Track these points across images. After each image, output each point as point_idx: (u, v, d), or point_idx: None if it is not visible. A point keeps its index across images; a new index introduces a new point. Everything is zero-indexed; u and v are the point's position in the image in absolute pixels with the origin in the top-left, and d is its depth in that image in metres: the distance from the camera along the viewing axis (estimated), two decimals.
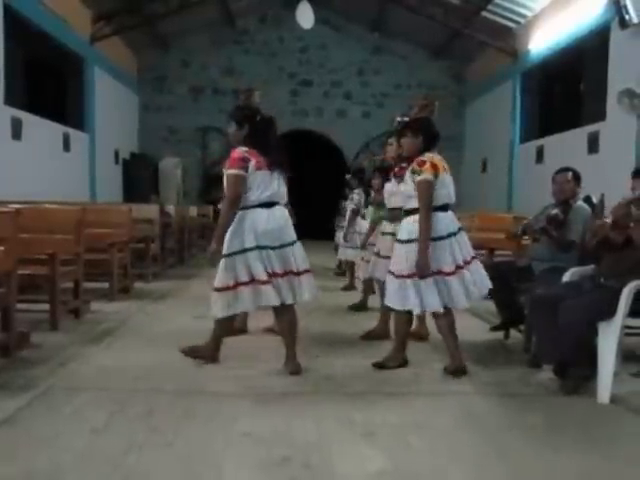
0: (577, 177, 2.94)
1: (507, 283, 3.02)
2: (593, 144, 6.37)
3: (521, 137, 8.66)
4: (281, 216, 2.43)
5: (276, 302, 2.36)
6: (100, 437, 1.79)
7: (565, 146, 6.96)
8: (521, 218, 3.83)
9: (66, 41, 7.60)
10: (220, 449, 1.74)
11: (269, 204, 2.39)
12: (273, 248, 2.36)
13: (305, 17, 8.79)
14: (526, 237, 3.21)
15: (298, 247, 2.47)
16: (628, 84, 5.50)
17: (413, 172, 2.43)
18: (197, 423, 1.93)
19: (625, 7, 5.31)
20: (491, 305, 3.32)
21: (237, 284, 2.35)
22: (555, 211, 2.83)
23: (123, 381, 2.34)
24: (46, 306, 3.20)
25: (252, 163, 2.36)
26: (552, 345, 2.38)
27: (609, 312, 2.21)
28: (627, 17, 5.34)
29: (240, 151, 2.39)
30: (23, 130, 6.47)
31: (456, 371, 2.48)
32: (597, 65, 6.37)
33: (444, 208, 2.46)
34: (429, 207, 2.39)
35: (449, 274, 2.40)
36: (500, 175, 9.11)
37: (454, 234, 2.44)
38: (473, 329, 3.54)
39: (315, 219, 7.76)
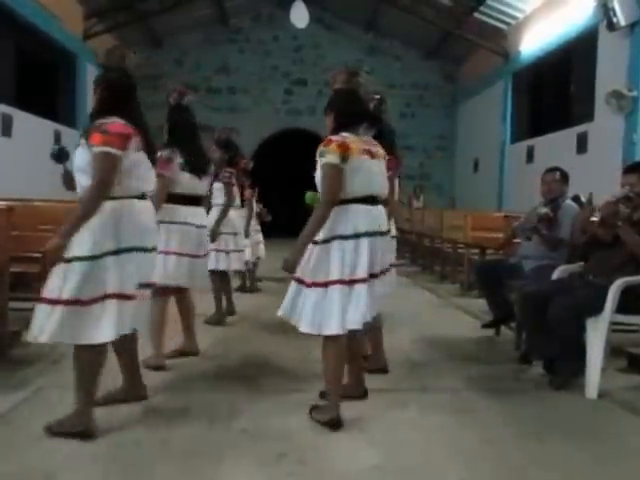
0: (564, 176, 2.99)
1: (498, 281, 3.07)
2: (582, 144, 6.46)
3: (512, 137, 8.74)
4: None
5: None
6: (95, 435, 1.78)
7: (555, 146, 7.05)
8: (511, 217, 3.88)
9: (58, 37, 7.53)
10: (217, 445, 1.75)
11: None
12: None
13: (299, 16, 8.79)
14: (516, 240, 3.25)
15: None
16: (616, 86, 5.59)
17: (319, 154, 1.90)
18: (193, 420, 1.94)
19: (613, 10, 5.39)
20: (482, 303, 3.37)
21: None
22: (545, 210, 2.87)
23: (118, 379, 2.33)
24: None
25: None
26: (542, 341, 2.43)
27: (597, 309, 2.25)
28: (615, 20, 5.43)
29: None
30: (14, 126, 6.39)
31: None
32: (586, 67, 6.46)
33: (365, 200, 1.90)
34: (330, 196, 1.86)
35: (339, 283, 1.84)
36: (491, 175, 9.20)
37: (370, 234, 1.88)
38: (465, 326, 3.59)
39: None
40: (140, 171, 1.83)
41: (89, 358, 1.75)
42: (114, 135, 1.75)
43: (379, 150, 1.99)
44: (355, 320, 1.84)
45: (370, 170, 1.92)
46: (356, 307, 1.84)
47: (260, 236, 4.85)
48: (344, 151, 1.87)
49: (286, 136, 11.08)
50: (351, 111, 1.95)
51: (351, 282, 1.85)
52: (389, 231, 2.06)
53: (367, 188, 1.91)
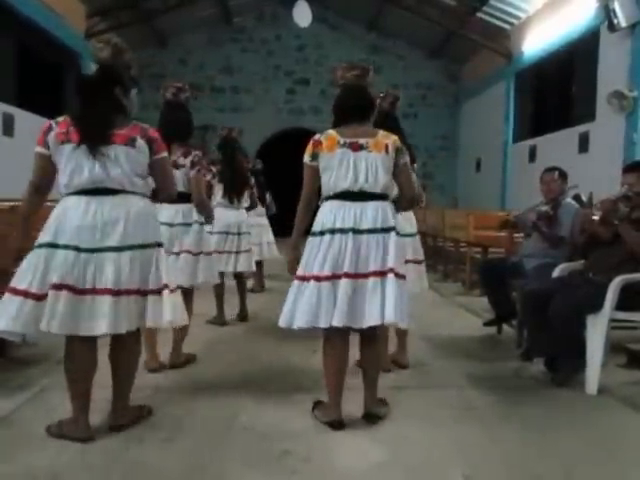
0: (563, 175, 3.02)
1: (500, 279, 3.09)
2: (583, 144, 6.47)
3: (514, 137, 8.75)
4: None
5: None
6: (99, 434, 1.79)
7: (557, 146, 7.06)
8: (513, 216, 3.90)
9: (60, 36, 7.54)
10: (220, 443, 1.76)
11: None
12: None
13: (302, 15, 8.80)
14: (517, 233, 3.27)
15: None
16: (617, 86, 5.60)
17: None
18: (197, 418, 1.95)
19: (614, 11, 5.41)
20: (484, 301, 3.39)
21: None
22: (545, 208, 2.90)
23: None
24: None
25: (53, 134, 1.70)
26: (543, 339, 2.45)
27: (597, 306, 2.28)
28: (616, 21, 5.44)
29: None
30: (15, 126, 6.41)
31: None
32: (587, 67, 6.47)
33: (341, 196, 1.83)
34: (305, 194, 1.90)
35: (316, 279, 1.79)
36: (494, 174, 9.20)
37: (338, 231, 1.80)
38: (467, 324, 3.61)
39: (313, 217, 7.79)
40: (65, 165, 1.70)
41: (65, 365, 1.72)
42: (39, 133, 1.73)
43: (378, 140, 1.85)
44: (302, 319, 1.76)
45: (351, 164, 1.83)
46: (307, 305, 1.77)
47: (266, 237, 4.73)
48: (314, 148, 1.86)
49: (289, 136, 11.10)
50: (340, 106, 1.93)
51: (304, 279, 1.81)
52: (389, 228, 1.83)
53: (340, 183, 1.83)
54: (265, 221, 4.84)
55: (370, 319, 1.77)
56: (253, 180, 4.27)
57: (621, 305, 2.28)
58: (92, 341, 1.74)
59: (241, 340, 3.14)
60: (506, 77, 8.77)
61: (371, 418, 1.93)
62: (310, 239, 1.87)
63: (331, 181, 1.85)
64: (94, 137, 1.69)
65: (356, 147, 1.84)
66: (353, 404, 2.09)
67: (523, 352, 2.74)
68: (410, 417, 2.02)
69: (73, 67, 8.28)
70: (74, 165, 1.70)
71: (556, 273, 2.66)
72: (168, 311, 1.75)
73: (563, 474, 1.64)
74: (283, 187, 6.43)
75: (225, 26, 10.83)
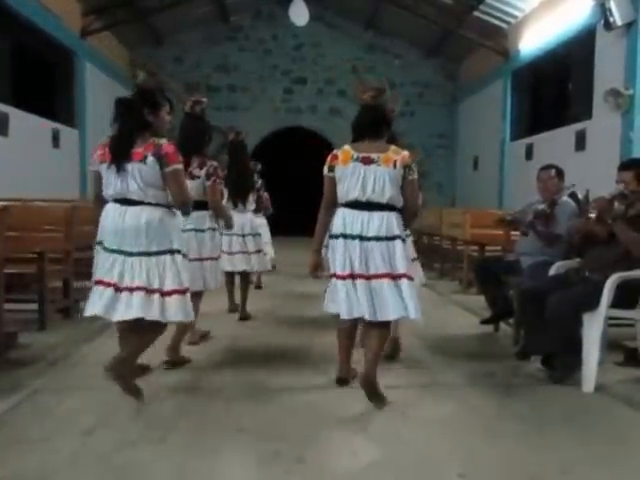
0: (560, 173, 3.01)
1: (496, 278, 3.08)
2: (580, 142, 6.48)
3: (511, 135, 8.75)
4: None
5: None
6: (91, 437, 1.78)
7: (553, 144, 7.06)
8: (509, 214, 3.88)
9: (55, 34, 7.50)
10: (213, 445, 1.74)
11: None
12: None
13: (299, 14, 8.77)
14: (514, 232, 3.26)
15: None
16: (613, 84, 5.61)
17: None
18: (190, 419, 1.94)
19: (610, 10, 5.42)
20: (481, 299, 3.38)
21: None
22: (542, 206, 2.89)
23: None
24: (35, 305, 3.16)
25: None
26: (540, 337, 2.45)
27: (593, 304, 2.27)
28: (612, 19, 5.45)
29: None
30: (10, 125, 6.38)
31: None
32: (584, 65, 6.47)
33: (350, 205, 2.08)
34: (324, 202, 2.19)
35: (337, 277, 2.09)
36: (491, 172, 9.21)
37: (347, 236, 2.06)
38: (464, 323, 3.61)
39: (309, 216, 7.79)
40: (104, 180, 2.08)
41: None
42: None
43: (388, 155, 2.07)
44: (333, 308, 2.13)
45: (361, 176, 2.06)
46: (335, 297, 2.10)
47: (265, 237, 4.84)
48: (331, 161, 2.15)
49: (286, 135, 11.08)
50: (356, 124, 2.18)
51: (332, 276, 2.13)
52: (393, 237, 2.04)
53: (351, 193, 2.08)
54: (264, 221, 4.95)
55: (393, 313, 2.04)
56: (260, 182, 4.41)
57: (617, 303, 2.27)
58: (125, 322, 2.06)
59: (234, 340, 3.12)
60: (503, 75, 8.77)
61: (368, 383, 2.08)
62: (331, 241, 2.15)
63: (344, 190, 2.11)
64: (118, 156, 2.02)
65: (367, 161, 2.08)
66: (350, 404, 2.07)
67: (520, 350, 2.73)
68: (405, 416, 2.01)
69: (67, 67, 8.24)
70: (107, 179, 2.06)
71: (552, 271, 2.66)
72: (174, 310, 2.01)
73: (560, 473, 1.63)
74: (281, 187, 6.42)
75: (221, 24, 10.80)
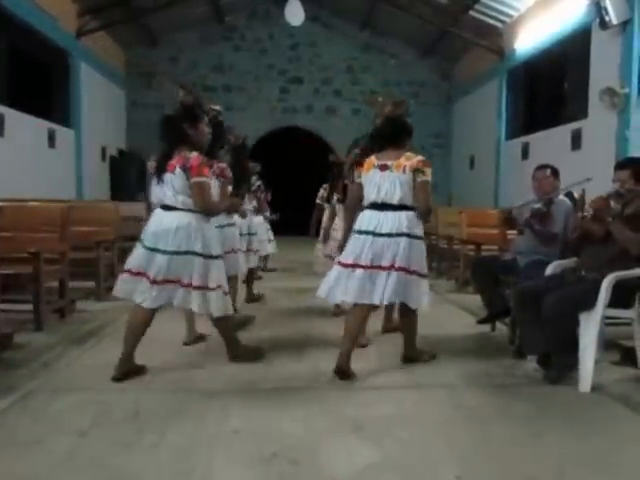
0: (555, 172, 3.01)
1: (493, 277, 3.08)
2: (576, 141, 6.49)
3: (507, 134, 8.77)
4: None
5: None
6: (85, 439, 1.77)
7: (549, 143, 7.08)
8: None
9: (51, 35, 7.46)
10: (209, 447, 1.73)
11: None
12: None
13: (295, 14, 8.75)
14: (510, 230, 3.26)
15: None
16: (609, 83, 5.62)
17: None
18: (185, 421, 1.93)
19: (605, 9, 5.42)
20: (478, 299, 3.38)
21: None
22: (538, 205, 2.89)
23: (109, 381, 2.30)
24: (30, 306, 3.14)
25: None
26: (536, 336, 2.44)
27: (590, 303, 2.27)
28: (607, 18, 5.46)
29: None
30: (6, 126, 6.35)
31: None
32: (579, 64, 6.49)
33: (371, 206, 2.45)
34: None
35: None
36: (487, 172, 9.23)
37: (365, 232, 2.41)
38: (460, 322, 3.61)
39: (306, 216, 7.79)
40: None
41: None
42: None
43: (399, 162, 2.40)
44: (323, 291, 2.45)
45: (378, 181, 2.42)
46: (346, 285, 2.39)
47: (265, 235, 5.15)
48: (358, 170, 2.65)
49: (282, 134, 11.06)
50: (378, 136, 2.57)
51: (347, 266, 2.41)
52: (400, 234, 2.36)
53: (370, 196, 2.46)
54: (260, 219, 5.05)
55: (376, 298, 2.36)
56: (259, 184, 4.52)
57: (614, 302, 2.27)
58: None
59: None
60: (498, 75, 8.79)
61: (408, 359, 2.61)
62: (351, 236, 2.50)
63: (366, 194, 2.50)
64: (159, 168, 2.36)
65: (383, 168, 2.43)
66: (346, 405, 2.07)
67: (516, 350, 2.74)
68: (401, 416, 2.00)
69: (63, 67, 8.19)
70: (153, 188, 2.41)
71: (549, 270, 2.66)
72: (197, 303, 2.34)
73: (556, 473, 1.62)
74: (278, 186, 6.41)
75: (217, 24, 10.77)
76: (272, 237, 5.54)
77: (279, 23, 10.01)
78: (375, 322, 3.11)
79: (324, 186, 5.05)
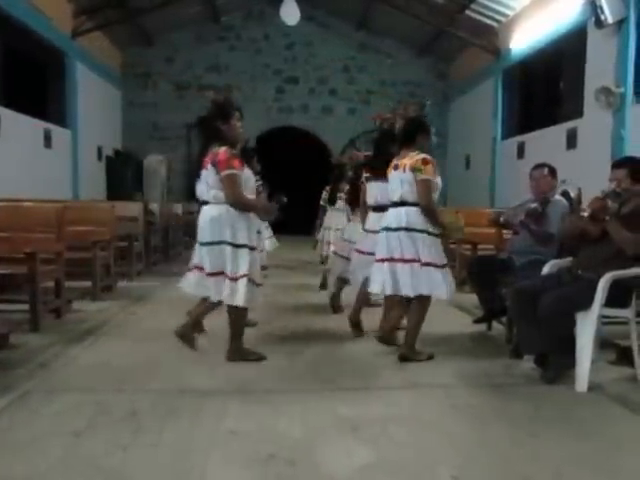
0: (552, 171, 3.02)
1: (489, 277, 3.08)
2: (571, 140, 6.52)
3: (503, 134, 8.80)
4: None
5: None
6: (82, 439, 1.75)
7: (545, 142, 7.11)
8: (502, 213, 3.90)
9: (46, 35, 7.43)
10: (205, 447, 1.73)
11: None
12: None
13: (290, 14, 8.75)
14: (505, 231, 3.27)
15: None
16: (604, 82, 5.64)
17: None
18: (182, 422, 1.92)
19: (601, 8, 5.44)
20: (474, 298, 3.39)
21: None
22: (534, 205, 2.89)
23: (106, 381, 2.30)
24: (26, 306, 3.13)
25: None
26: (533, 336, 2.45)
27: (586, 303, 2.27)
28: (602, 17, 5.48)
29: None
30: (2, 126, 6.31)
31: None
32: (575, 64, 6.51)
33: (392, 204, 2.69)
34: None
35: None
36: (483, 171, 9.25)
37: (384, 229, 2.69)
38: (457, 322, 3.61)
39: (303, 215, 7.78)
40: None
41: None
42: None
43: (403, 161, 2.59)
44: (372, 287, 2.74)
45: (392, 181, 2.65)
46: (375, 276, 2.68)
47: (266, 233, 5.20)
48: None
49: (278, 134, 11.04)
50: (399, 138, 2.75)
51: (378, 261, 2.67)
52: (402, 228, 2.57)
53: (389, 195, 2.69)
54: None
55: (375, 286, 2.69)
56: (259, 184, 4.55)
57: (610, 301, 2.28)
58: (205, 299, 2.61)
59: (224, 339, 3.10)
60: (494, 74, 8.82)
61: (404, 359, 2.65)
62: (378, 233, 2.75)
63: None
64: (197, 167, 2.52)
65: (395, 168, 2.65)
66: (344, 406, 2.07)
67: (513, 349, 2.74)
68: (397, 416, 2.00)
69: (59, 68, 8.15)
70: (197, 186, 2.54)
71: (545, 270, 2.66)
72: (241, 294, 2.42)
73: (553, 473, 1.63)
74: (274, 186, 6.38)
75: (212, 24, 10.75)
76: (272, 234, 5.63)
77: (274, 23, 10.01)
78: (375, 322, 3.12)
79: (327, 188, 5.07)
